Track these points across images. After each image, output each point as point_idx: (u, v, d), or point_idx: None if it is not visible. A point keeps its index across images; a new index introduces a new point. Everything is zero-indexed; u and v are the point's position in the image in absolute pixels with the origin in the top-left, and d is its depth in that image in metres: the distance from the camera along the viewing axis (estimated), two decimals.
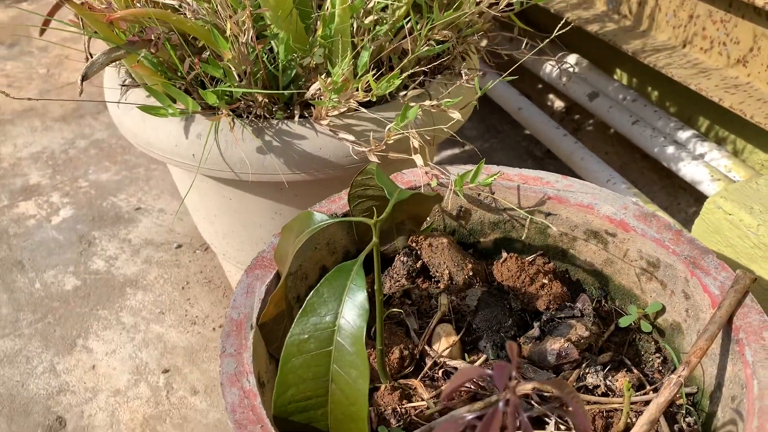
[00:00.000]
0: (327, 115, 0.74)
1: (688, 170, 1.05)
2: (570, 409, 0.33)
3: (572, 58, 1.33)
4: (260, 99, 0.74)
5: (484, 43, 0.89)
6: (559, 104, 1.55)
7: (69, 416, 0.96)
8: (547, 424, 0.58)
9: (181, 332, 1.09)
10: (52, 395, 0.99)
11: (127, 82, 0.83)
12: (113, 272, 1.20)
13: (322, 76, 0.69)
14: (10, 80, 1.81)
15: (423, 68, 0.75)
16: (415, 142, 0.71)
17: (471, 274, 0.70)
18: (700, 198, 1.21)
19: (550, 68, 1.34)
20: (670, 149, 1.09)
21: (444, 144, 1.50)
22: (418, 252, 0.72)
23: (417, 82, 0.79)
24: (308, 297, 0.50)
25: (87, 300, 1.15)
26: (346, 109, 0.73)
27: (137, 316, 1.11)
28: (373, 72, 0.70)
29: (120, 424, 0.95)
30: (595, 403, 0.59)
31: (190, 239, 1.27)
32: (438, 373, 0.63)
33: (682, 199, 1.27)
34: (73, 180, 1.44)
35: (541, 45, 0.80)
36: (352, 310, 0.48)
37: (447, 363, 0.63)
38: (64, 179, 1.44)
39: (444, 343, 0.65)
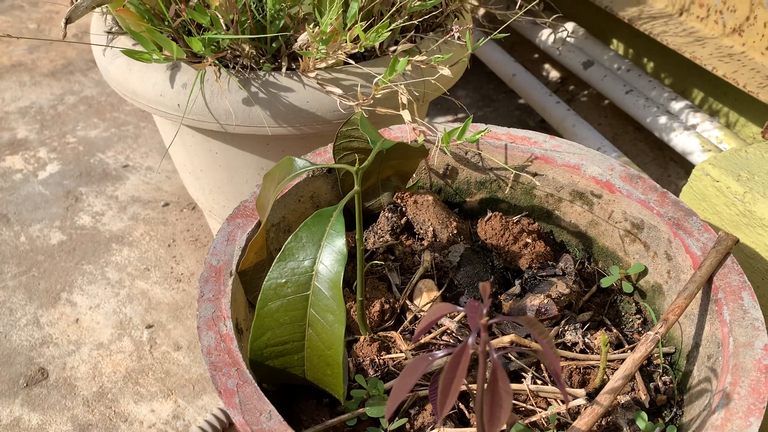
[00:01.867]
0: (314, 68, 0.73)
1: (680, 141, 1.05)
2: (540, 348, 0.32)
3: (569, 26, 1.32)
4: (247, 49, 0.73)
5: (477, 1, 0.87)
6: (554, 75, 1.54)
7: (51, 368, 0.96)
8: (524, 378, 0.58)
9: (166, 289, 1.08)
10: (35, 347, 0.99)
11: (113, 30, 0.82)
12: (99, 228, 1.19)
13: (311, 26, 0.68)
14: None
15: (414, 21, 0.73)
16: (403, 98, 0.71)
17: (455, 232, 0.70)
18: (690, 171, 1.21)
19: (546, 36, 1.32)
20: (663, 119, 1.08)
21: (436, 111, 1.49)
22: (403, 209, 0.72)
23: (407, 38, 0.78)
24: (287, 241, 0.49)
25: (72, 254, 1.14)
26: (334, 61, 0.72)
27: (122, 272, 1.11)
28: (363, 24, 0.68)
29: (102, 376, 0.95)
30: (572, 359, 0.59)
31: (178, 198, 1.26)
32: (417, 326, 0.63)
33: (673, 172, 1.27)
34: (61, 135, 1.42)
35: (535, 4, 0.79)
36: (330, 255, 0.48)
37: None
38: (51, 134, 1.43)
39: (425, 298, 0.65)
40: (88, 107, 1.52)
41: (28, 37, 1.14)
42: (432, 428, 0.52)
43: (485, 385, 0.35)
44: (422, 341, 0.61)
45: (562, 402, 0.55)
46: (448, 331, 0.62)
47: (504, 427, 0.49)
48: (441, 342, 0.61)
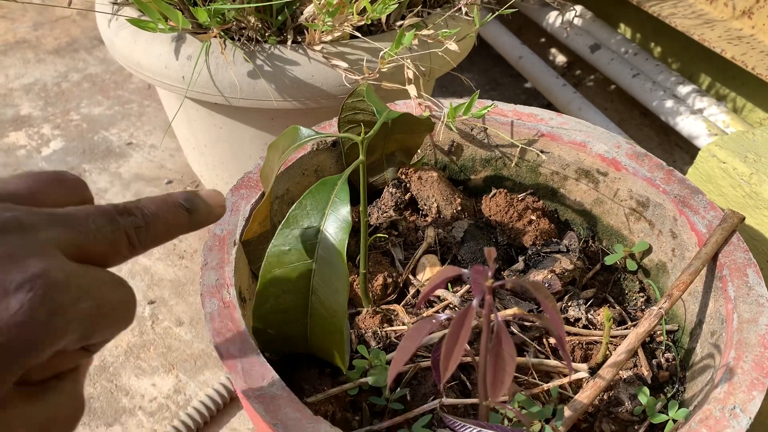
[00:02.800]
0: (320, 41, 0.72)
1: (686, 124, 1.04)
2: (543, 312, 0.32)
3: (577, 9, 1.31)
4: (253, 21, 0.73)
5: None
6: (561, 59, 1.53)
7: None
8: (527, 352, 0.58)
9: (168, 265, 1.08)
10: None
11: (119, 1, 0.81)
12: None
13: None
14: (4, 11, 1.78)
15: None
16: (409, 72, 0.70)
17: (459, 208, 0.70)
18: (696, 156, 1.21)
19: (553, 18, 1.31)
20: (669, 103, 1.08)
21: (442, 94, 1.48)
22: (408, 184, 0.71)
23: (414, 13, 0.78)
24: (291, 209, 0.49)
25: None
26: (340, 34, 0.71)
27: None
28: None
29: (104, 350, 0.95)
30: (575, 334, 0.59)
31: (181, 176, 1.26)
32: (419, 306, 0.63)
33: (678, 157, 1.26)
34: (65, 113, 1.42)
35: None
36: (334, 222, 0.48)
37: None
38: (55, 111, 1.42)
39: (428, 272, 0.65)
40: (92, 85, 1.51)
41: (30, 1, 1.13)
42: (433, 399, 0.52)
43: (488, 348, 0.35)
44: (424, 315, 0.61)
45: (565, 376, 0.55)
46: (451, 306, 0.62)
47: (506, 392, 0.49)
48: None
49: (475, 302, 0.33)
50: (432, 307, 0.62)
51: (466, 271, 0.34)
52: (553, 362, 0.56)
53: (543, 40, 1.57)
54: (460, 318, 0.33)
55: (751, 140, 0.77)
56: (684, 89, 1.09)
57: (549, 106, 1.46)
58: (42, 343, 0.26)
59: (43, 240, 0.28)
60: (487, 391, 0.36)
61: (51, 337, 0.26)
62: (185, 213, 0.34)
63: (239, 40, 0.74)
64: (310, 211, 0.48)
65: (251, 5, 0.68)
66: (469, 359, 0.56)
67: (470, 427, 0.42)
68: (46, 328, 0.26)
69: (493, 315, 0.33)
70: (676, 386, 0.57)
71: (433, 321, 0.35)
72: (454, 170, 0.76)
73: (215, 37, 0.72)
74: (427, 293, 0.36)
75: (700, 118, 1.03)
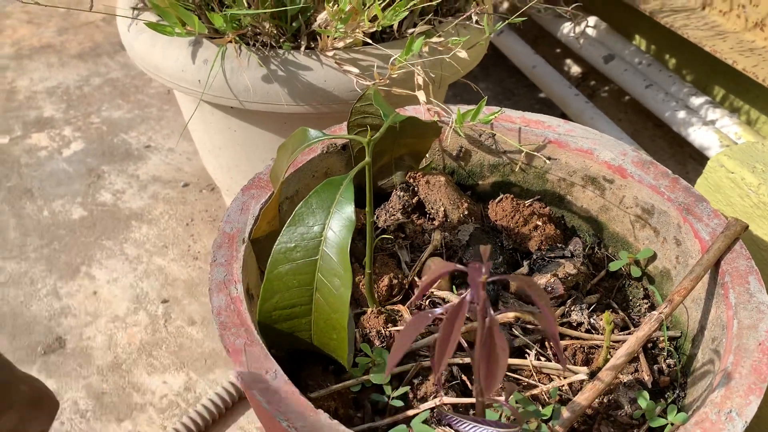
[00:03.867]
0: (333, 47, 0.74)
1: (698, 135, 1.04)
2: (538, 310, 0.33)
3: (591, 20, 1.32)
4: (268, 27, 0.74)
5: None
6: (575, 69, 1.54)
7: (69, 337, 0.98)
8: (528, 354, 0.58)
9: (182, 266, 1.10)
10: (53, 317, 1.01)
11: (138, 6, 0.84)
12: (120, 205, 1.22)
13: (330, 4, 0.69)
14: (31, 17, 1.82)
15: (433, 3, 0.74)
16: (419, 78, 0.71)
17: (466, 213, 0.71)
18: None
19: (567, 29, 1.32)
20: (682, 114, 1.08)
21: (453, 102, 1.49)
22: (415, 188, 0.73)
23: (425, 21, 0.79)
24: (297, 207, 0.50)
25: (93, 230, 1.17)
26: (352, 40, 0.73)
27: (141, 248, 1.13)
28: (381, 3, 0.69)
29: (117, 347, 0.97)
30: (576, 338, 0.60)
31: (197, 179, 1.28)
32: (425, 303, 0.64)
33: (691, 169, 1.26)
34: (86, 115, 1.45)
35: None
36: (339, 221, 0.49)
37: (435, 294, 0.64)
38: (77, 114, 1.46)
39: None
40: (113, 89, 1.55)
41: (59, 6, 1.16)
42: (434, 397, 0.53)
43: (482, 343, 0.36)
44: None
45: (565, 378, 0.56)
46: (445, 306, 0.62)
47: (500, 384, 0.50)
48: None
49: (468, 296, 0.34)
50: (436, 308, 0.63)
51: (461, 267, 0.35)
52: (553, 365, 0.57)
53: (557, 50, 1.58)
54: (453, 312, 0.34)
55: (760, 151, 0.77)
56: (697, 100, 1.09)
57: (563, 116, 1.47)
58: None
59: None
60: (482, 385, 0.37)
61: None
62: None
63: (254, 45, 0.76)
64: (315, 209, 0.50)
65: (267, 11, 0.70)
66: (470, 359, 0.57)
67: (467, 423, 0.43)
68: None
69: (486, 310, 0.34)
70: (677, 392, 0.57)
71: (429, 315, 0.36)
72: (462, 175, 0.77)
73: (231, 41, 0.74)
74: (425, 287, 0.37)
75: (712, 129, 1.03)
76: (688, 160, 1.27)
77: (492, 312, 0.35)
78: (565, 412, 0.50)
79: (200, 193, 1.25)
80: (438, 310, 0.36)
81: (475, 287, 0.35)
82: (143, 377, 0.93)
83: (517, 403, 0.50)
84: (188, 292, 1.06)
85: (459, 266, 0.36)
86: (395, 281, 0.65)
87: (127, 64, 1.64)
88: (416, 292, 0.64)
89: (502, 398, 0.44)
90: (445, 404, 0.52)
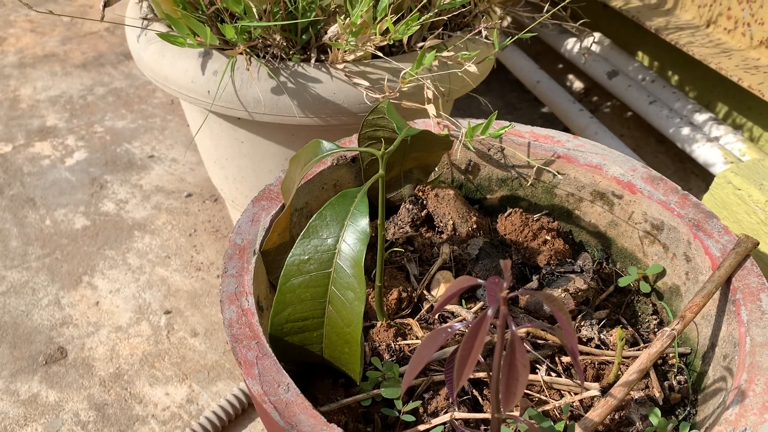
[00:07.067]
0: (343, 60, 0.74)
1: (702, 152, 1.05)
2: (557, 323, 0.33)
3: (595, 36, 1.32)
4: (278, 39, 0.75)
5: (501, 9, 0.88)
6: (578, 85, 1.54)
7: (70, 347, 0.98)
8: (539, 369, 0.58)
9: (185, 277, 1.10)
10: (55, 326, 1.01)
11: (148, 17, 0.84)
12: (122, 215, 1.21)
13: (341, 18, 0.70)
14: (34, 26, 1.83)
15: (443, 18, 0.75)
16: (429, 92, 0.72)
17: (475, 226, 0.71)
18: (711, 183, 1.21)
19: (571, 45, 1.33)
20: (686, 130, 1.08)
21: (460, 115, 1.50)
22: (424, 201, 0.73)
23: (435, 35, 0.79)
24: (311, 219, 0.50)
25: (95, 239, 1.16)
26: (362, 53, 0.73)
27: (143, 259, 1.13)
28: (392, 17, 0.70)
29: (119, 358, 0.96)
30: (587, 354, 0.60)
31: (201, 189, 1.28)
32: (434, 317, 0.64)
33: (694, 185, 1.26)
34: (89, 125, 1.45)
35: (561, 10, 0.79)
36: (353, 234, 0.49)
37: (444, 308, 0.64)
38: (80, 123, 1.46)
39: (443, 288, 0.65)
40: (116, 98, 1.55)
41: (66, 15, 1.16)
42: (446, 412, 0.53)
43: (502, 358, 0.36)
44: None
45: (576, 394, 0.56)
46: (465, 322, 0.62)
47: (519, 404, 0.49)
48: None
49: (490, 312, 0.34)
50: (445, 322, 0.63)
51: (481, 281, 0.35)
52: (565, 380, 0.57)
53: (561, 66, 1.59)
54: (475, 327, 0.34)
55: (767, 168, 0.78)
56: (701, 117, 1.10)
57: (566, 131, 1.47)
58: None
59: None
60: (499, 402, 0.37)
61: None
62: None
63: (264, 57, 0.76)
64: (329, 222, 0.50)
65: (277, 23, 0.70)
66: (482, 374, 0.56)
67: None
68: None
69: (507, 325, 0.34)
70: (688, 408, 0.57)
71: (448, 330, 0.36)
72: (470, 189, 0.77)
73: (241, 53, 0.74)
74: (444, 301, 0.37)
75: (716, 145, 1.04)
76: (690, 177, 1.28)
77: (513, 327, 0.34)
78: (578, 429, 0.50)
79: (203, 203, 1.25)
80: (458, 326, 0.36)
81: (496, 302, 0.35)
82: (145, 389, 0.92)
83: (531, 419, 0.50)
84: (191, 303, 1.05)
85: (479, 280, 0.35)
86: (404, 294, 0.64)
87: (131, 73, 1.65)
88: (432, 305, 0.64)
89: (517, 414, 0.44)
90: (457, 419, 0.52)
